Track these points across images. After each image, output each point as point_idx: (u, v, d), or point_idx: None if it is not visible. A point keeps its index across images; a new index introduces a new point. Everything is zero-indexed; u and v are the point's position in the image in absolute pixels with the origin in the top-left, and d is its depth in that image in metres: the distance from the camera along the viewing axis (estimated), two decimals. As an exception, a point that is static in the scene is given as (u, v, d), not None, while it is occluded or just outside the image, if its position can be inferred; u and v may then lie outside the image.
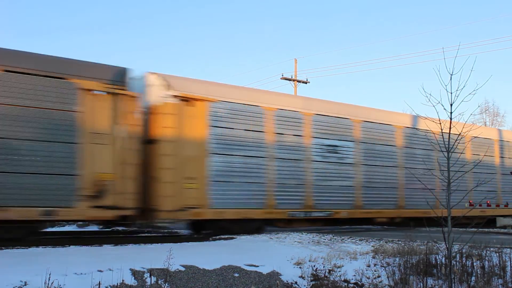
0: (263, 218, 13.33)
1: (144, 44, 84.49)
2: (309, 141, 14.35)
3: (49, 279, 5.83)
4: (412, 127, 17.03)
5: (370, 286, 7.64)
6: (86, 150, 10.87)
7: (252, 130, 13.22)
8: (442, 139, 7.31)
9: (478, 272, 7.70)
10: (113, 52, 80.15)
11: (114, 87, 11.27)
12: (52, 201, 10.39)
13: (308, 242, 10.91)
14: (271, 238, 11.58)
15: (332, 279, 7.69)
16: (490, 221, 16.99)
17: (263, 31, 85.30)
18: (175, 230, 15.22)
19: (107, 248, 9.63)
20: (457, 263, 7.79)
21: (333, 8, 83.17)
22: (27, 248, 9.26)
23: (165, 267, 6.96)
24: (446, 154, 7.20)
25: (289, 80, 33.21)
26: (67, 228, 17.58)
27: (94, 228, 16.99)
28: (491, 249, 8.89)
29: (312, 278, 7.70)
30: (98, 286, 6.15)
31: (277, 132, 13.71)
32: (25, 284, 6.00)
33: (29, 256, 7.95)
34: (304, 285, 7.55)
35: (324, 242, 11.06)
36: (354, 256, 8.96)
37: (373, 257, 8.87)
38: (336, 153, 14.93)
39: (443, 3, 75.43)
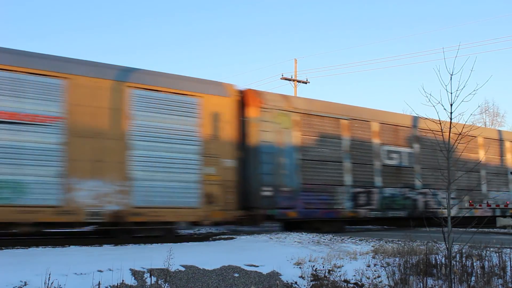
0: None
1: (143, 44, 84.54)
2: None
3: (49, 279, 5.82)
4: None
5: (370, 286, 7.63)
6: None
7: None
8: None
9: (478, 272, 7.68)
10: (111, 52, 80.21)
11: None
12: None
13: (308, 242, 10.92)
14: (271, 238, 11.58)
15: (332, 279, 7.68)
16: (490, 221, 16.98)
17: (263, 31, 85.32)
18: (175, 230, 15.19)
19: (107, 248, 9.63)
20: (457, 263, 7.78)
21: (333, 8, 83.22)
22: (27, 248, 9.26)
23: (165, 267, 6.96)
24: (446, 154, 7.20)
25: (289, 80, 33.19)
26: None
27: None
28: (491, 249, 8.88)
29: (312, 278, 7.70)
30: (98, 286, 6.15)
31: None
32: (25, 284, 5.99)
33: (29, 256, 7.94)
34: (304, 285, 7.54)
35: (324, 242, 11.06)
36: (354, 256, 8.95)
37: (373, 257, 8.86)
38: None
39: (443, 3, 75.48)
